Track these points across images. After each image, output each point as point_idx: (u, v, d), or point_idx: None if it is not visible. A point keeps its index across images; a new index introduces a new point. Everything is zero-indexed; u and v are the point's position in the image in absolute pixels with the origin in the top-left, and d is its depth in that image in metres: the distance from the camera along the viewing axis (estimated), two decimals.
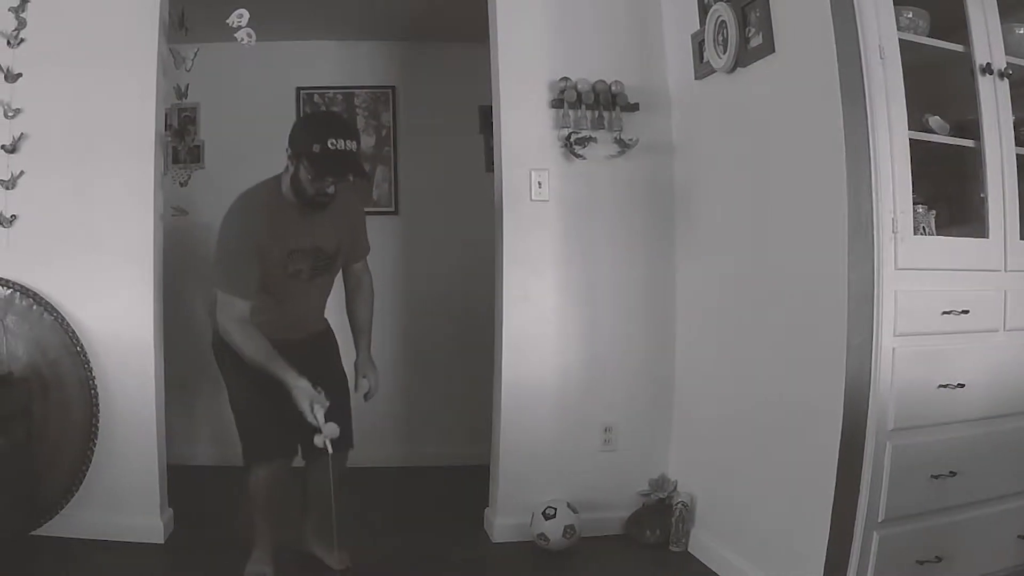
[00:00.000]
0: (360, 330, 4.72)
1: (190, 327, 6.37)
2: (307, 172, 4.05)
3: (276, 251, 4.17)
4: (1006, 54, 3.88)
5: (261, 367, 4.08)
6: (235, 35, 4.82)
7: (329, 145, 3.98)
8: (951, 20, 3.84)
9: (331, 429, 4.05)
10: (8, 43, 4.81)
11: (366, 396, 4.63)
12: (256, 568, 4.41)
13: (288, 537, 4.70)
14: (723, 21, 4.44)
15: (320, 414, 4.03)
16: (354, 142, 4.08)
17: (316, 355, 4.49)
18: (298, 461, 4.53)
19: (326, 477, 4.62)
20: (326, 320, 4.68)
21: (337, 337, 4.74)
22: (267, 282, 4.18)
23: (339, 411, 4.49)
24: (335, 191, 4.13)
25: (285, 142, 4.14)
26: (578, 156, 5.08)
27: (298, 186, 4.13)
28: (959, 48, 3.84)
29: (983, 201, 3.85)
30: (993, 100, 3.84)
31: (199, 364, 6.48)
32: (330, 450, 4.03)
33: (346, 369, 4.68)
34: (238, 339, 4.11)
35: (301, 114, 6.73)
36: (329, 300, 4.64)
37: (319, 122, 4.16)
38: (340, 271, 4.64)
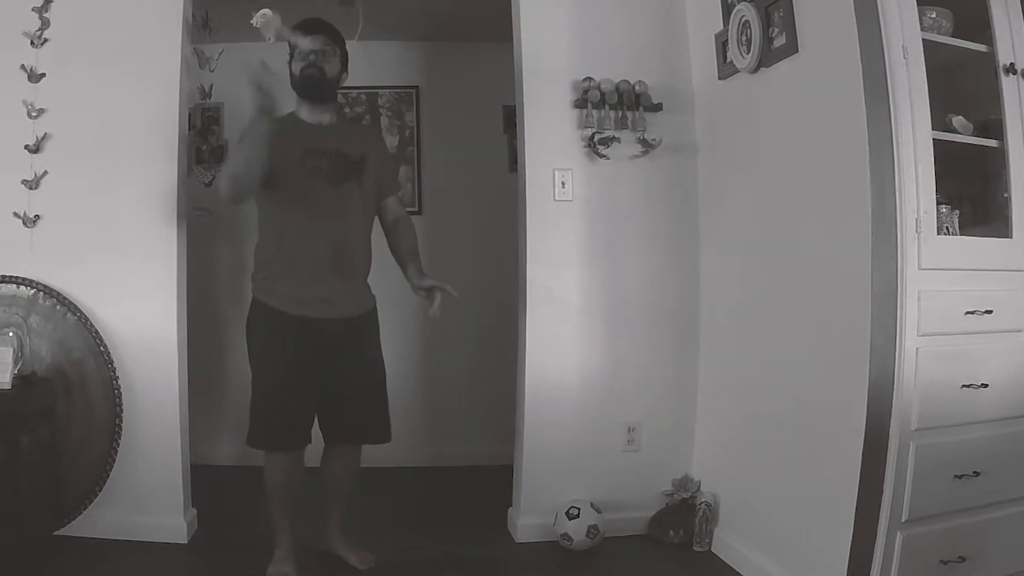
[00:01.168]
0: (407, 257, 4.71)
1: (214, 327, 6.41)
2: (294, 58, 4.47)
3: (291, 152, 4.32)
4: None
5: (251, 148, 4.09)
6: (266, 35, 4.85)
7: (303, 23, 4.45)
8: (975, 20, 3.83)
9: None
10: (32, 43, 4.83)
11: (434, 307, 4.58)
12: (278, 568, 4.43)
13: (310, 537, 4.72)
14: (746, 21, 4.45)
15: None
16: (330, 25, 4.51)
17: (354, 339, 4.52)
18: (316, 462, 4.58)
19: (344, 474, 4.67)
20: (373, 297, 4.67)
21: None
22: (288, 184, 4.30)
23: (375, 404, 4.60)
24: (320, 64, 4.41)
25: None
26: (601, 156, 5.09)
27: (292, 78, 4.47)
28: (982, 48, 3.83)
29: (1007, 201, 3.84)
30: (1017, 100, 3.83)
31: (223, 364, 6.53)
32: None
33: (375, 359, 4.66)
34: (228, 167, 4.27)
35: None
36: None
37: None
38: (376, 206, 4.69)
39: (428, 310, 4.57)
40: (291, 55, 4.47)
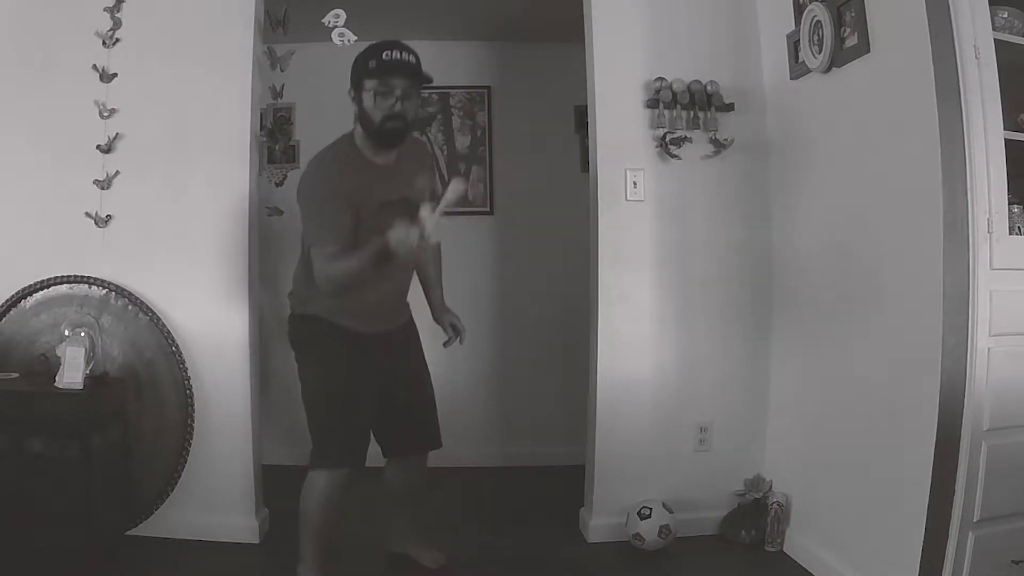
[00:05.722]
0: (432, 284, 4.69)
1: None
2: (369, 94, 3.95)
3: (366, 207, 4.01)
4: None
5: (366, 268, 3.77)
6: (332, 36, 4.88)
7: (384, 56, 3.91)
8: None
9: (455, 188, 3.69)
10: (103, 43, 4.91)
11: (447, 343, 4.63)
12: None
13: (380, 537, 4.81)
14: (818, 21, 4.44)
15: (430, 217, 3.58)
16: (411, 55, 3.97)
17: (401, 351, 4.46)
18: (378, 462, 4.56)
19: (411, 484, 4.63)
20: (409, 307, 4.57)
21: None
22: (362, 242, 3.90)
23: (425, 410, 4.55)
24: (404, 112, 3.97)
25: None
26: (673, 156, 5.09)
27: (365, 119, 4.01)
28: None
29: None
30: None
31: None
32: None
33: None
34: (337, 273, 3.87)
35: None
36: None
37: (373, 45, 3.99)
38: None
39: (443, 343, 4.64)
40: (362, 80, 3.98)
